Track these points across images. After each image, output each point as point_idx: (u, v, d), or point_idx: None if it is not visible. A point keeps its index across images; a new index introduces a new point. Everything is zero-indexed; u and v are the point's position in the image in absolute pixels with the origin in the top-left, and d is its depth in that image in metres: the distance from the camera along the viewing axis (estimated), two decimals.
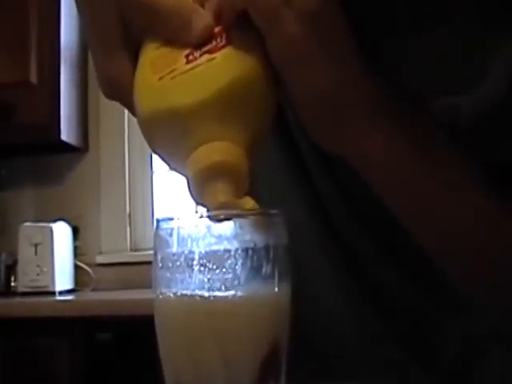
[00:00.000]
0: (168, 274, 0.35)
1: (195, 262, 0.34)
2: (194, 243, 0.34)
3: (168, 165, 0.41)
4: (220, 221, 0.35)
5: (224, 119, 0.38)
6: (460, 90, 0.42)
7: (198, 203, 0.38)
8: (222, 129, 0.38)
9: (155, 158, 2.45)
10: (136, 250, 2.58)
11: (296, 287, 0.37)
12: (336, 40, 0.40)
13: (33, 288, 2.28)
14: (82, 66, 2.56)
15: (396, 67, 0.43)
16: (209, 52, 0.38)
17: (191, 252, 0.34)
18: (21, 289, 2.30)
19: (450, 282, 0.46)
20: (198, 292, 0.34)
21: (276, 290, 0.35)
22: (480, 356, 0.53)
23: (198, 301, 0.34)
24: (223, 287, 0.34)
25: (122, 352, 1.96)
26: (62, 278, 2.37)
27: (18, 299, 2.23)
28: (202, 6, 0.41)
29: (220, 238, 0.34)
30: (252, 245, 0.34)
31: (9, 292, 2.39)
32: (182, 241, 0.35)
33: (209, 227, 0.34)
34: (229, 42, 0.39)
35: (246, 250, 0.34)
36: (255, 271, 0.34)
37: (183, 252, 0.34)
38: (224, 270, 0.34)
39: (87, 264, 2.52)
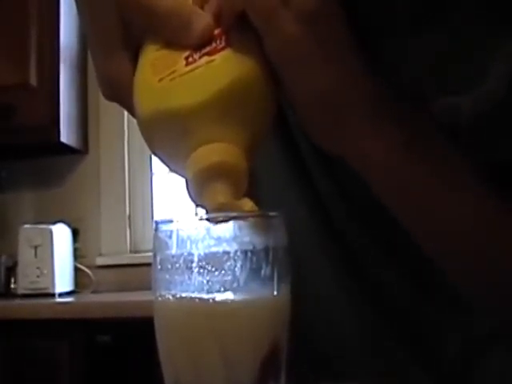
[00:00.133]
0: (167, 276, 0.35)
1: (194, 264, 0.34)
2: (194, 245, 0.34)
3: (167, 166, 0.41)
4: (219, 222, 0.35)
5: (223, 120, 0.38)
6: (460, 89, 0.42)
7: (197, 204, 0.38)
8: (221, 130, 0.38)
9: (155, 159, 2.44)
10: (136, 252, 2.58)
11: (296, 287, 0.37)
12: (335, 40, 0.40)
13: (33, 290, 2.28)
14: (82, 67, 2.56)
15: (396, 67, 0.43)
16: (208, 54, 0.39)
17: (190, 254, 0.34)
18: (21, 291, 2.30)
19: (450, 282, 0.46)
20: (197, 294, 0.34)
21: (275, 291, 0.35)
22: (480, 356, 0.53)
23: (198, 303, 0.34)
24: (222, 289, 0.34)
25: (121, 354, 1.96)
26: (62, 280, 2.37)
27: (17, 301, 2.23)
28: (202, 8, 0.41)
29: (219, 239, 0.34)
30: (251, 247, 0.34)
31: (9, 294, 2.39)
32: (181, 243, 0.35)
33: (208, 229, 0.34)
34: (228, 44, 0.39)
35: (245, 252, 0.34)
36: (254, 273, 0.34)
37: (182, 254, 0.34)
38: (223, 271, 0.34)
39: (87, 266, 2.52)
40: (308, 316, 0.56)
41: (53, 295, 2.29)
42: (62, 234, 2.41)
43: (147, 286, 0.37)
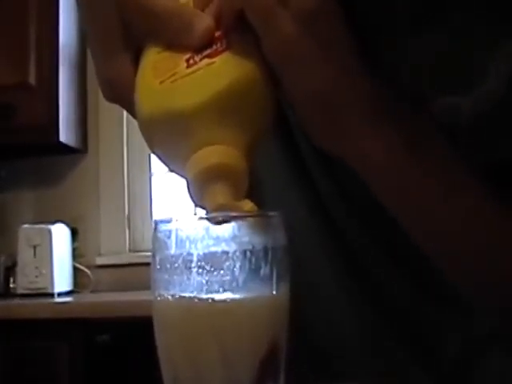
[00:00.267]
0: (166, 276, 0.35)
1: (193, 264, 0.34)
2: (193, 245, 0.34)
3: (167, 166, 0.42)
4: (220, 223, 0.35)
5: (223, 122, 0.38)
6: (460, 89, 0.42)
7: (197, 205, 0.39)
8: (221, 131, 0.38)
9: (154, 159, 2.45)
10: (135, 252, 2.59)
11: (296, 287, 0.37)
12: (333, 40, 0.39)
13: (32, 290, 2.28)
14: (82, 67, 2.57)
15: (396, 67, 0.43)
16: (209, 56, 0.39)
17: (189, 254, 0.34)
18: (20, 290, 2.30)
19: (450, 282, 0.46)
20: (196, 294, 0.34)
21: (274, 291, 0.35)
22: (480, 356, 0.53)
23: (197, 302, 0.34)
24: (221, 289, 0.34)
25: (121, 353, 1.96)
26: (61, 280, 2.37)
27: (17, 301, 2.24)
28: (203, 11, 0.41)
29: (218, 239, 0.34)
30: (250, 247, 0.34)
31: (8, 294, 2.39)
32: (180, 242, 0.35)
33: (207, 229, 0.34)
34: (228, 47, 0.39)
35: (244, 252, 0.34)
36: (254, 273, 0.34)
37: (181, 254, 0.34)
38: (222, 271, 0.34)
39: (86, 266, 2.53)
40: (308, 316, 0.56)
41: (52, 295, 2.29)
42: (61, 234, 2.41)
43: (146, 286, 0.37)
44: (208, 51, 0.39)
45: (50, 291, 2.29)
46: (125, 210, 2.62)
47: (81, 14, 0.45)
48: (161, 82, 0.39)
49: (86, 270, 2.52)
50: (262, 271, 0.35)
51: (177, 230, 0.35)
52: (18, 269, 2.34)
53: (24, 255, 2.32)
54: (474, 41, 0.41)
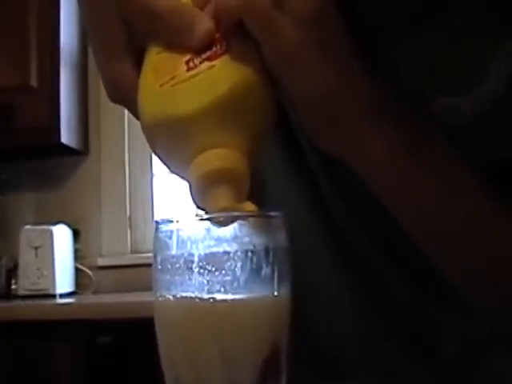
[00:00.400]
0: (168, 277, 0.35)
1: (195, 265, 0.34)
2: (194, 245, 0.34)
3: (169, 168, 0.42)
4: (222, 225, 0.35)
5: (224, 125, 0.38)
6: (460, 89, 0.42)
7: (199, 208, 0.39)
8: (222, 135, 0.38)
9: (155, 160, 2.45)
10: (136, 253, 2.58)
11: (296, 287, 0.37)
12: (333, 41, 0.40)
13: (33, 291, 2.28)
14: (83, 68, 2.57)
15: (396, 67, 0.43)
16: (208, 59, 0.39)
17: (191, 254, 0.34)
18: (21, 292, 2.30)
19: (450, 282, 0.46)
20: (197, 294, 0.34)
21: (276, 291, 0.35)
22: (480, 356, 0.53)
23: (198, 303, 0.34)
24: (223, 289, 0.34)
25: (122, 355, 1.96)
26: (63, 281, 2.37)
27: (18, 302, 2.24)
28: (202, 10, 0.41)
29: (219, 240, 0.34)
30: (251, 247, 0.34)
31: (9, 295, 2.39)
32: (181, 243, 0.35)
33: (208, 229, 0.34)
34: (228, 49, 0.39)
35: (245, 252, 0.34)
36: (255, 273, 0.34)
37: (183, 254, 0.34)
38: (223, 272, 0.34)
39: (88, 267, 2.53)
40: (308, 316, 0.56)
41: (53, 296, 2.29)
42: (62, 235, 2.41)
43: (148, 287, 0.37)
44: (208, 53, 0.39)
45: (51, 292, 2.29)
46: (126, 211, 2.62)
47: (82, 14, 0.45)
48: (161, 85, 0.39)
49: (87, 271, 2.52)
50: (263, 272, 0.35)
51: (178, 230, 0.35)
52: (20, 270, 2.34)
53: (26, 256, 2.32)
54: (474, 41, 0.41)
